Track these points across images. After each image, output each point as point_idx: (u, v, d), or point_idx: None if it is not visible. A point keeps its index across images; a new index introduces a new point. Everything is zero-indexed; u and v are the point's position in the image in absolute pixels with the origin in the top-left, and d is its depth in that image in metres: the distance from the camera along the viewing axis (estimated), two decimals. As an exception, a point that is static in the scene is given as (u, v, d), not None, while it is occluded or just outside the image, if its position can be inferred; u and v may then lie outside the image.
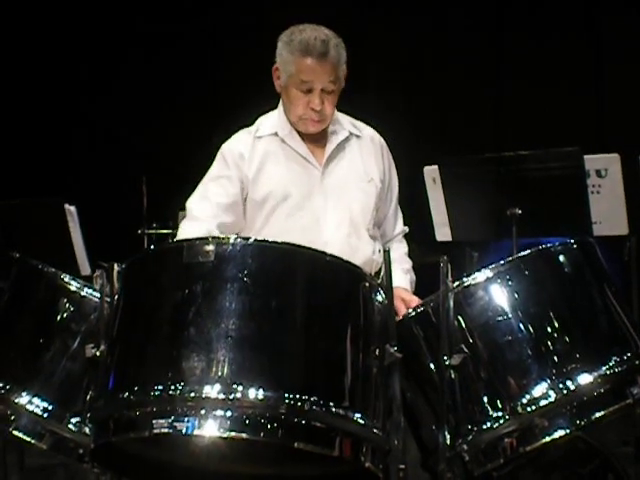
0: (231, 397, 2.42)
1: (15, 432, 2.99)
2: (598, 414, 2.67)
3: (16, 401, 2.97)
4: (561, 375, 2.68)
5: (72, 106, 7.66)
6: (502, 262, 2.81)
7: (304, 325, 2.58)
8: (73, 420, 2.97)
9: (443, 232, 4.59)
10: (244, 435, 2.44)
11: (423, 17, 7.35)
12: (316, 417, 2.47)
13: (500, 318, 2.75)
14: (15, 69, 7.59)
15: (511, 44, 7.26)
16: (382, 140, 3.61)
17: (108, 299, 2.76)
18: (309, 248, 2.67)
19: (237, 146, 3.48)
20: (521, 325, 2.75)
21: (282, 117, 3.50)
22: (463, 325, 2.76)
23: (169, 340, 2.54)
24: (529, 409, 2.66)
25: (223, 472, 2.83)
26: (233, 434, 2.44)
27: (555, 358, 2.71)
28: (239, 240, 2.64)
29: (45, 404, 2.97)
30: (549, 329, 2.74)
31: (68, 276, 3.09)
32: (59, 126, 7.62)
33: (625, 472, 3.48)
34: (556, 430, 2.66)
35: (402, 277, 3.45)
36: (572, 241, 2.92)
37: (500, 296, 2.77)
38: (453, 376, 2.72)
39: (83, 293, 3.05)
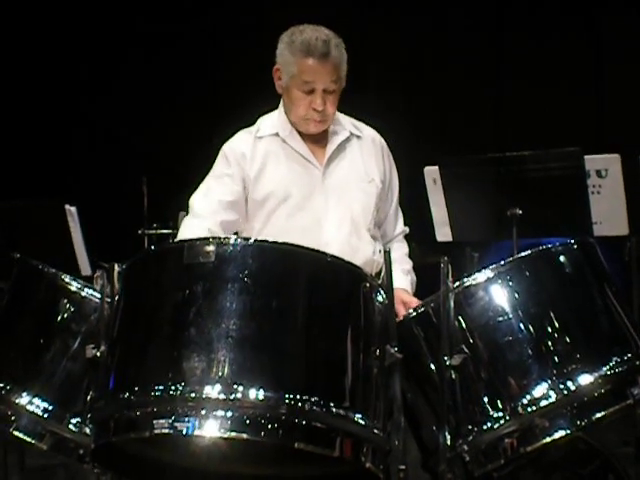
0: (232, 397, 2.42)
1: (15, 432, 2.99)
2: (598, 414, 2.67)
3: (16, 401, 2.97)
4: (562, 375, 2.67)
5: (73, 106, 7.66)
6: (502, 262, 2.81)
7: (305, 325, 2.57)
8: (73, 420, 2.98)
9: (443, 232, 4.59)
10: (244, 435, 2.44)
11: (423, 17, 7.36)
12: (316, 417, 2.47)
13: (500, 318, 2.75)
14: (15, 69, 7.59)
15: (511, 44, 7.27)
16: (383, 141, 3.61)
17: (109, 299, 2.76)
18: (310, 248, 2.67)
19: (239, 145, 3.48)
20: (521, 325, 2.74)
21: (283, 117, 3.50)
22: (463, 325, 2.76)
23: (170, 340, 2.54)
24: (529, 409, 2.66)
25: (223, 472, 2.83)
26: (233, 434, 2.44)
27: (555, 358, 2.70)
28: (239, 240, 2.65)
29: (45, 404, 2.97)
30: (549, 329, 2.74)
31: (69, 276, 3.10)
32: (59, 126, 7.62)
33: (626, 472, 3.47)
34: (556, 430, 2.66)
35: (403, 278, 3.45)
36: (572, 241, 2.91)
37: (500, 296, 2.77)
38: (453, 376, 2.72)
39: (83, 293, 3.05)
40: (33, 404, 2.96)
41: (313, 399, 2.46)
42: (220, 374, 2.44)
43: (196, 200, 3.45)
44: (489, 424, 2.69)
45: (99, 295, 2.82)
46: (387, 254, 2.71)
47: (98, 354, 2.73)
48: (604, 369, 2.69)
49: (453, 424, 2.72)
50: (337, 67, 3.35)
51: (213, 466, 2.80)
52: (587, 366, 2.69)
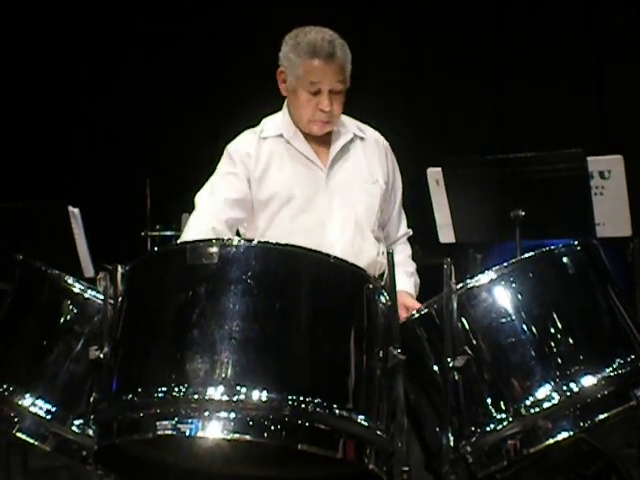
0: (235, 399, 2.42)
1: (18, 434, 2.99)
2: (602, 416, 2.66)
3: (19, 403, 2.97)
4: (565, 377, 2.67)
5: (74, 107, 7.66)
6: (505, 264, 2.80)
7: (308, 327, 2.57)
8: (76, 422, 2.97)
9: (446, 234, 4.59)
10: (248, 437, 2.44)
11: (423, 17, 7.35)
12: (320, 419, 2.46)
13: (504, 320, 2.75)
14: (15, 70, 7.59)
15: (511, 44, 7.26)
16: (386, 142, 3.62)
17: (112, 301, 2.76)
18: (313, 250, 2.67)
19: (243, 145, 3.48)
20: (524, 327, 2.74)
21: (287, 119, 3.50)
22: (467, 327, 2.76)
23: (173, 342, 2.54)
24: (533, 411, 2.66)
25: (226, 474, 2.83)
26: (237, 436, 2.43)
27: (559, 360, 2.70)
28: (243, 242, 2.64)
29: (48, 406, 2.97)
30: (553, 331, 2.74)
31: (72, 278, 3.09)
32: (61, 127, 7.62)
33: (629, 474, 3.48)
34: (560, 432, 2.65)
35: (406, 280, 3.45)
36: (575, 243, 2.91)
37: (504, 298, 2.77)
38: (457, 378, 2.71)
39: (87, 295, 3.05)
40: (36, 406, 2.96)
41: (316, 400, 2.46)
42: (223, 375, 2.44)
43: (201, 198, 3.45)
44: (492, 425, 2.69)
45: (102, 297, 2.83)
46: (390, 255, 2.71)
47: (101, 356, 2.72)
48: (607, 371, 2.69)
49: (456, 425, 2.72)
50: (343, 67, 3.36)
51: (216, 467, 2.79)
52: (590, 368, 2.68)
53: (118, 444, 2.62)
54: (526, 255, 2.88)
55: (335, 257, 2.69)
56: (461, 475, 2.73)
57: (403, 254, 3.58)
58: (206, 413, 2.42)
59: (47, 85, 7.59)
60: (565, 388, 2.66)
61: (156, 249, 4.62)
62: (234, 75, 7.58)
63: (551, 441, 2.66)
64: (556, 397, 2.65)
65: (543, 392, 2.67)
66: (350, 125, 3.55)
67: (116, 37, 7.67)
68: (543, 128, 6.70)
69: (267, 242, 2.75)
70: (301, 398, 2.45)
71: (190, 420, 2.43)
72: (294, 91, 3.41)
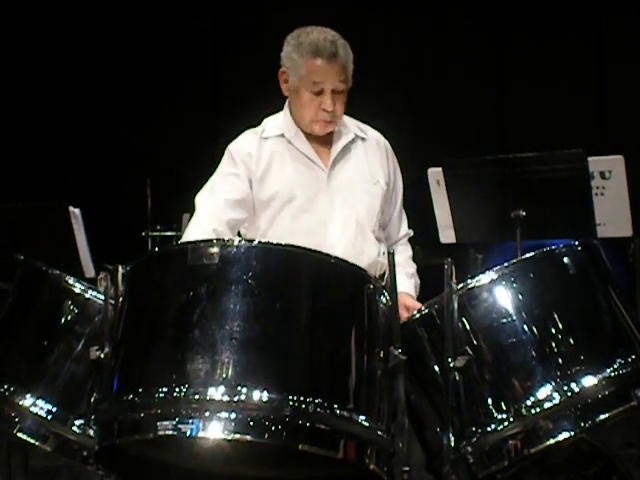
0: (235, 399, 2.42)
1: (19, 434, 2.99)
2: (602, 416, 2.66)
3: (20, 403, 2.97)
4: (565, 377, 2.67)
5: (76, 108, 7.66)
6: (506, 264, 2.80)
7: (308, 327, 2.57)
8: (77, 422, 2.97)
9: (447, 234, 4.58)
10: (248, 437, 2.44)
11: (423, 17, 7.35)
12: (320, 419, 2.46)
13: (504, 320, 2.75)
14: (16, 70, 7.59)
15: (511, 44, 7.26)
16: (387, 143, 3.62)
17: (112, 301, 2.76)
18: (313, 250, 2.67)
19: (244, 145, 3.48)
20: (525, 327, 2.74)
21: (288, 119, 3.50)
22: (467, 327, 2.75)
23: (173, 342, 2.54)
24: (533, 411, 2.66)
25: (227, 474, 2.83)
26: (237, 436, 2.43)
27: (559, 360, 2.70)
28: (243, 242, 2.65)
29: (49, 406, 2.97)
30: (553, 331, 2.74)
31: (72, 278, 3.10)
32: (62, 128, 7.62)
33: (630, 474, 3.47)
34: (560, 432, 2.65)
35: (406, 282, 3.46)
36: (576, 243, 2.91)
37: (504, 298, 2.77)
38: (457, 378, 2.71)
39: (87, 295, 3.05)
40: (37, 406, 2.96)
41: (317, 401, 2.46)
42: (224, 376, 2.44)
43: (202, 199, 3.45)
44: (493, 426, 2.69)
45: (103, 297, 2.83)
46: (391, 256, 2.71)
47: (102, 356, 2.72)
48: (608, 371, 2.68)
49: (457, 426, 2.71)
50: (345, 67, 3.37)
51: (217, 468, 2.80)
52: (591, 368, 2.68)
53: (119, 444, 2.62)
54: (527, 255, 2.88)
55: (336, 257, 2.69)
56: (462, 475, 2.73)
57: (404, 255, 3.59)
58: (207, 413, 2.42)
59: (47, 85, 7.59)
60: (566, 388, 2.66)
61: (157, 249, 4.62)
62: (234, 75, 7.58)
63: (552, 441, 2.65)
64: (557, 397, 2.65)
65: (544, 392, 2.66)
66: (351, 125, 3.56)
67: (116, 37, 7.67)
68: (543, 128, 6.70)
69: (268, 242, 2.75)
70: (302, 398, 2.45)
71: (191, 420, 2.43)
72: (296, 91, 3.41)
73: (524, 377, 2.70)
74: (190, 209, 3.48)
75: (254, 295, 2.54)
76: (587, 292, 2.86)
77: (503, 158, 4.34)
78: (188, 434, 2.44)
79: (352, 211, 3.42)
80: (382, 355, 2.64)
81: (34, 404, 2.96)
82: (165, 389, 2.46)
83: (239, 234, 3.47)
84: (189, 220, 3.53)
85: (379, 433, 2.58)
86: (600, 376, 2.67)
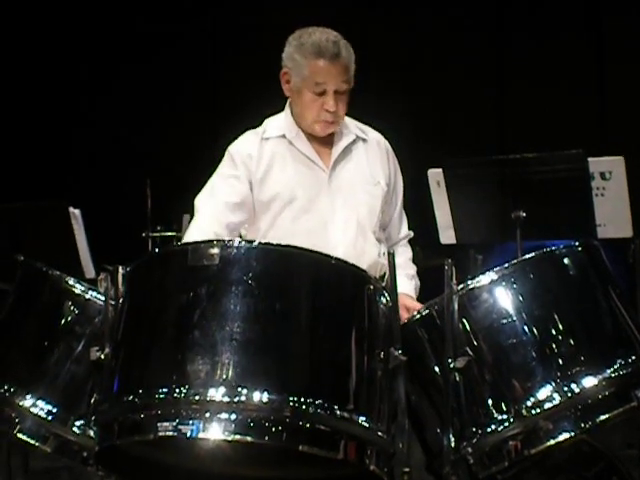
0: (236, 400, 2.42)
1: (19, 435, 3.00)
2: (603, 417, 2.66)
3: (20, 404, 2.97)
4: (566, 378, 2.67)
5: (76, 108, 7.65)
6: (506, 265, 2.80)
7: (309, 328, 2.58)
8: (77, 423, 2.98)
9: (447, 235, 4.58)
10: (248, 438, 2.45)
11: (423, 17, 7.35)
12: (320, 420, 2.47)
13: (505, 321, 2.75)
14: (16, 70, 7.58)
15: (511, 44, 7.26)
16: (387, 144, 3.62)
17: (113, 302, 2.76)
18: (313, 251, 2.67)
19: (245, 146, 3.48)
20: (525, 328, 2.74)
21: (289, 119, 3.50)
22: (468, 328, 2.75)
23: (174, 343, 2.54)
24: (534, 412, 2.66)
25: (227, 475, 2.83)
26: (237, 437, 2.44)
27: (560, 361, 2.70)
28: (244, 243, 2.65)
29: (49, 407, 2.97)
30: (554, 332, 2.74)
31: (73, 279, 3.10)
32: (62, 128, 7.61)
33: (630, 475, 3.47)
34: (561, 433, 2.65)
35: (407, 283, 3.46)
36: (577, 244, 2.91)
37: (505, 299, 2.77)
38: (458, 379, 2.71)
39: (88, 296, 3.06)
40: (37, 406, 2.97)
41: (317, 402, 2.46)
42: (224, 377, 2.44)
43: (202, 202, 3.45)
44: (493, 426, 2.69)
45: (103, 297, 2.83)
46: (391, 256, 2.71)
47: (102, 356, 2.72)
48: (608, 371, 2.69)
49: (457, 426, 2.71)
50: (347, 67, 3.37)
51: (217, 468, 2.79)
52: (591, 368, 2.68)
53: (119, 445, 2.62)
54: (527, 256, 2.88)
55: (336, 258, 2.69)
56: (462, 476, 2.73)
57: (404, 256, 3.59)
58: (207, 414, 2.43)
59: (47, 85, 7.59)
60: (566, 389, 2.66)
61: (157, 250, 4.61)
62: (234, 75, 7.58)
63: (552, 442, 2.66)
64: (557, 398, 2.65)
65: (544, 393, 2.67)
66: (352, 126, 3.55)
67: (116, 37, 7.66)
68: (543, 129, 6.70)
69: (268, 243, 2.76)
70: (302, 399, 2.45)
71: (191, 421, 2.44)
72: (298, 92, 3.41)
73: (524, 378, 2.70)
74: (190, 209, 3.48)
75: (254, 296, 2.54)
76: (587, 293, 2.86)
77: (503, 159, 4.34)
78: (188, 435, 2.44)
79: (353, 212, 3.42)
80: (382, 356, 2.64)
81: (34, 405, 2.96)
82: (165, 390, 2.46)
83: (240, 235, 3.47)
84: (189, 221, 3.54)
85: (379, 434, 2.58)
86: (600, 377, 2.67)
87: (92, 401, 2.94)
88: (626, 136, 6.42)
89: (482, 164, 4.42)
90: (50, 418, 2.97)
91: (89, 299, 3.05)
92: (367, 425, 2.54)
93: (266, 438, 2.45)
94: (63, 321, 3.05)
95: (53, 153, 7.54)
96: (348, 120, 3.55)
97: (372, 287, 2.68)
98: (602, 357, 2.73)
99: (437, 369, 2.77)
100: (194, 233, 3.34)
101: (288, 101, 3.52)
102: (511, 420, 2.68)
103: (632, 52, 6.79)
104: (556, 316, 2.76)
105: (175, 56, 7.62)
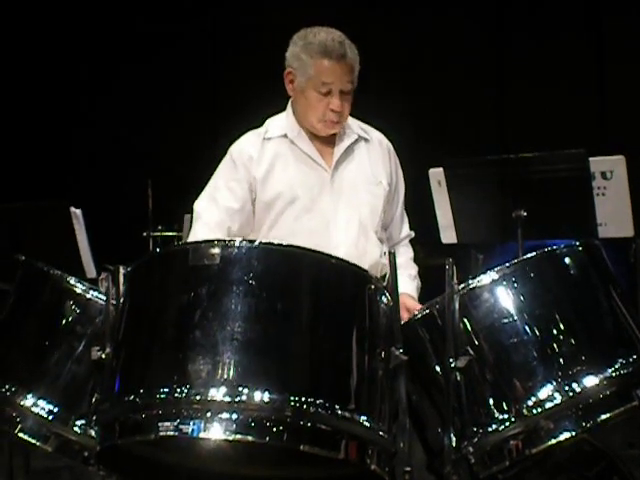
0: (237, 400, 2.42)
1: (20, 434, 3.00)
2: (604, 416, 2.66)
3: (21, 403, 2.98)
4: (567, 377, 2.67)
5: (77, 108, 7.65)
6: (507, 264, 2.80)
7: (309, 328, 2.58)
8: (78, 423, 2.98)
9: (448, 234, 4.58)
10: (249, 438, 2.45)
11: (423, 17, 7.35)
12: (322, 420, 2.47)
13: (506, 320, 2.75)
14: (16, 71, 7.59)
15: (511, 44, 7.26)
16: (389, 144, 3.62)
17: (114, 302, 2.77)
18: (314, 251, 2.67)
19: (246, 148, 3.47)
20: (527, 327, 2.74)
21: (291, 119, 3.50)
22: (469, 327, 2.75)
23: (175, 343, 2.55)
24: (535, 411, 2.66)
25: (228, 474, 2.83)
26: (238, 437, 2.44)
27: (561, 360, 2.70)
28: (244, 243, 2.65)
29: (50, 406, 2.98)
30: (555, 331, 2.74)
31: (74, 279, 3.11)
32: (63, 128, 7.62)
33: (631, 475, 3.48)
34: (562, 432, 2.65)
35: (409, 283, 3.46)
36: (577, 243, 2.91)
37: (505, 298, 2.77)
38: (459, 378, 2.71)
39: (89, 296, 3.06)
40: (38, 406, 2.97)
41: (318, 401, 2.46)
42: (225, 376, 2.45)
43: (203, 207, 3.45)
44: (494, 426, 2.69)
45: (104, 297, 2.84)
46: (392, 256, 2.71)
47: (103, 356, 2.73)
48: (609, 371, 2.68)
49: (458, 426, 2.71)
50: (353, 68, 3.38)
51: (218, 468, 2.80)
52: (592, 368, 2.68)
53: (120, 445, 2.62)
54: (528, 255, 2.88)
55: (336, 257, 2.69)
56: (463, 475, 2.73)
57: (405, 256, 3.59)
58: (208, 414, 2.43)
59: (48, 85, 7.59)
60: (567, 388, 2.66)
61: (158, 250, 4.61)
62: (234, 75, 7.58)
63: (553, 441, 2.65)
64: (558, 397, 2.65)
65: (545, 392, 2.66)
66: (354, 126, 3.55)
67: (116, 37, 7.67)
68: (544, 128, 6.70)
69: (269, 243, 2.75)
70: (303, 399, 2.45)
71: (192, 421, 2.44)
72: (303, 91, 3.40)
73: (525, 377, 2.70)
74: (191, 209, 3.48)
75: (255, 296, 2.54)
76: (588, 292, 2.86)
77: (504, 158, 4.34)
78: (189, 435, 2.44)
79: (355, 212, 3.42)
80: (383, 355, 2.64)
81: (35, 404, 2.97)
82: (166, 390, 2.46)
83: (241, 234, 3.47)
84: (190, 221, 3.54)
85: (380, 433, 2.58)
86: (601, 376, 2.67)
87: (93, 401, 2.94)
88: (626, 136, 6.41)
89: (483, 163, 4.42)
90: (51, 418, 2.97)
91: (90, 299, 3.05)
92: (368, 425, 2.54)
93: (267, 438, 2.45)
94: (64, 321, 3.06)
95: (54, 153, 7.54)
96: (350, 120, 3.54)
97: (373, 287, 2.69)
98: (603, 356, 2.73)
99: (438, 368, 2.77)
100: (199, 238, 3.33)
101: (290, 100, 3.52)
102: (512, 419, 2.67)
103: (632, 52, 6.79)
104: (557, 315, 2.76)
105: (175, 56, 7.63)
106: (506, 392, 2.71)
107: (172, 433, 2.44)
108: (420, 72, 7.27)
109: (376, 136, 3.60)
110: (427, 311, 2.84)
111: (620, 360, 2.71)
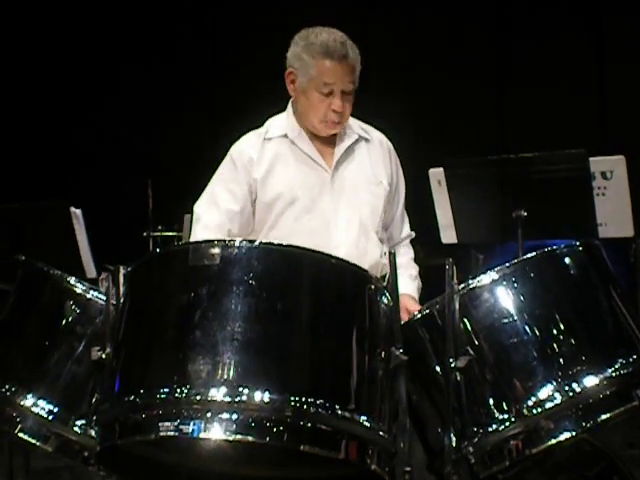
0: (237, 400, 2.42)
1: (20, 434, 3.01)
2: (604, 416, 2.66)
3: (21, 403, 2.98)
4: (567, 377, 2.67)
5: (77, 108, 7.65)
6: (507, 264, 2.80)
7: (309, 328, 2.58)
8: (78, 423, 2.99)
9: (448, 234, 4.58)
10: (250, 438, 2.45)
11: (423, 17, 7.35)
12: (322, 420, 2.47)
13: (506, 320, 2.75)
14: (17, 70, 7.58)
15: (511, 44, 7.25)
16: (390, 144, 3.62)
17: (114, 302, 2.77)
18: (314, 251, 2.67)
19: (246, 149, 3.47)
20: (527, 327, 2.74)
21: (291, 119, 3.50)
22: (469, 327, 2.75)
23: (175, 343, 2.55)
24: (535, 411, 2.66)
25: (228, 474, 2.83)
26: (239, 437, 2.44)
27: (561, 360, 2.70)
28: (244, 243, 2.65)
29: (50, 406, 2.98)
30: (555, 331, 2.74)
31: (74, 279, 3.11)
32: (63, 128, 7.61)
33: (631, 475, 3.47)
34: (562, 432, 2.65)
35: (410, 284, 3.46)
36: (577, 243, 2.91)
37: (505, 298, 2.77)
38: (459, 378, 2.71)
39: (89, 296, 3.06)
40: (38, 406, 2.97)
41: (318, 401, 2.46)
42: (225, 377, 2.45)
43: (203, 210, 3.45)
44: (494, 426, 2.69)
45: (104, 297, 2.84)
46: (392, 256, 2.71)
47: (103, 356, 2.73)
48: (609, 371, 2.68)
49: (458, 426, 2.71)
50: (354, 68, 3.39)
51: (218, 468, 2.80)
52: (592, 368, 2.68)
53: (120, 445, 2.62)
54: (528, 255, 2.88)
55: (336, 258, 2.69)
56: (463, 475, 2.73)
57: (406, 257, 3.58)
58: (208, 414, 2.43)
59: (48, 85, 7.58)
60: (567, 388, 2.66)
61: (158, 250, 4.61)
62: (234, 75, 7.57)
63: (553, 441, 2.65)
64: (558, 397, 2.65)
65: (545, 392, 2.66)
66: (355, 126, 3.55)
67: (116, 37, 7.66)
68: (544, 128, 6.69)
69: (269, 243, 2.76)
70: (303, 399, 2.45)
71: (192, 421, 2.44)
72: (304, 92, 3.40)
73: (525, 377, 2.70)
74: (191, 209, 3.48)
75: (255, 296, 2.54)
76: (588, 292, 2.86)
77: (504, 158, 4.34)
78: (189, 435, 2.44)
79: (355, 212, 3.42)
80: (383, 355, 2.64)
81: (35, 404, 2.97)
82: (166, 390, 2.46)
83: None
84: (190, 221, 3.54)
85: (380, 433, 2.58)
86: (601, 376, 2.67)
87: (93, 401, 2.94)
88: (626, 136, 6.41)
89: (483, 163, 4.42)
90: (51, 418, 2.97)
91: (90, 299, 3.06)
92: (368, 425, 2.54)
93: (267, 438, 2.45)
94: (64, 321, 3.06)
95: (54, 153, 7.54)
96: (351, 120, 3.54)
97: (373, 287, 2.69)
98: (603, 356, 2.73)
99: (438, 368, 2.77)
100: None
101: (290, 101, 3.52)
102: (512, 419, 2.68)
103: (632, 52, 6.79)
104: (557, 315, 2.76)
105: (175, 56, 7.62)
106: (506, 392, 2.71)
107: (172, 433, 2.45)
108: (420, 72, 7.26)
109: (377, 136, 3.60)
110: (427, 311, 2.84)
111: (620, 360, 2.71)
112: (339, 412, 2.49)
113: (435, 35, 7.28)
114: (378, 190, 3.48)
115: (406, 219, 3.66)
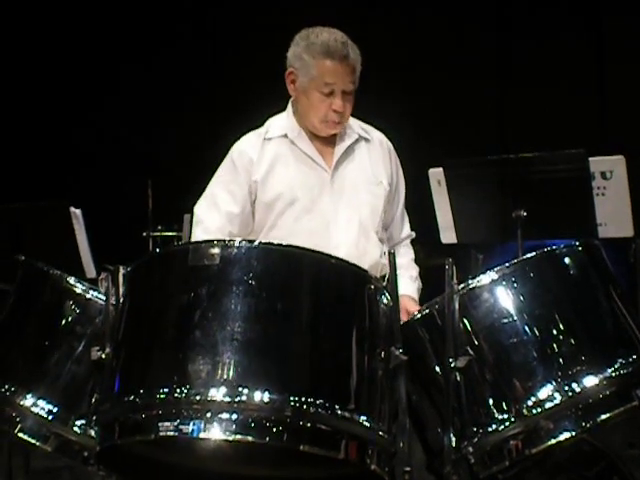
0: (236, 400, 2.42)
1: (20, 434, 3.01)
2: (604, 416, 2.66)
3: (21, 403, 2.98)
4: (567, 377, 2.67)
5: (77, 108, 7.65)
6: (507, 264, 2.80)
7: (309, 328, 2.58)
8: (78, 423, 2.98)
9: (448, 234, 4.58)
10: (249, 438, 2.45)
11: (423, 17, 7.35)
12: (321, 420, 2.47)
13: (505, 320, 2.75)
14: (17, 70, 7.58)
15: (511, 44, 7.25)
16: (390, 144, 3.62)
17: (114, 302, 2.77)
18: (314, 251, 2.68)
19: (246, 150, 3.47)
20: (526, 327, 2.74)
21: (291, 119, 3.50)
22: (468, 327, 2.75)
23: (175, 343, 2.55)
24: (535, 411, 2.66)
25: (228, 474, 2.83)
26: (238, 437, 2.44)
27: (560, 360, 2.70)
28: (244, 243, 2.65)
29: (50, 406, 2.98)
30: (554, 331, 2.74)
31: (73, 279, 3.11)
32: (63, 128, 7.61)
33: (631, 475, 3.47)
34: (561, 432, 2.65)
35: (410, 285, 3.46)
36: (577, 243, 2.91)
37: (505, 298, 2.77)
38: (458, 378, 2.71)
39: (88, 296, 3.06)
40: (38, 406, 2.97)
41: (318, 401, 2.46)
42: (225, 377, 2.45)
43: (203, 212, 3.45)
44: (494, 426, 2.69)
45: (104, 297, 2.84)
46: (392, 256, 2.71)
47: (103, 356, 2.73)
48: (609, 371, 2.69)
49: (458, 426, 2.71)
50: (355, 68, 3.39)
51: (218, 468, 2.80)
52: (592, 368, 2.68)
53: (120, 445, 2.62)
54: (528, 255, 2.88)
55: (336, 257, 2.69)
56: (463, 475, 2.73)
57: (407, 257, 3.58)
58: (208, 414, 2.43)
59: (48, 85, 7.59)
60: (567, 388, 2.66)
61: (158, 250, 4.61)
62: (234, 75, 7.58)
63: (553, 441, 2.65)
64: (558, 397, 2.65)
65: (545, 392, 2.66)
66: (355, 126, 3.55)
67: (117, 37, 7.66)
68: (544, 128, 6.69)
69: (268, 243, 2.77)
70: (303, 399, 2.45)
71: (192, 421, 2.44)
72: (305, 92, 3.40)
73: (525, 377, 2.70)
74: (191, 209, 3.48)
75: (255, 296, 2.55)
76: (588, 292, 2.86)
77: (504, 158, 4.34)
78: (189, 435, 2.44)
79: (355, 212, 3.42)
80: (383, 355, 2.64)
81: (35, 404, 2.97)
82: (166, 390, 2.46)
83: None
84: (190, 221, 3.54)
85: (380, 433, 2.58)
86: (601, 376, 2.67)
87: (93, 401, 2.94)
88: (626, 136, 6.41)
89: (483, 163, 4.42)
90: (51, 418, 2.97)
91: (90, 299, 3.06)
92: (368, 425, 2.54)
93: (267, 438, 2.45)
94: (64, 321, 3.06)
95: (54, 153, 7.54)
96: (351, 120, 3.54)
97: (373, 287, 2.69)
98: (603, 356, 2.73)
99: (438, 369, 2.77)
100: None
101: (290, 101, 3.52)
102: (512, 419, 2.68)
103: (632, 52, 6.78)
104: (557, 315, 2.76)
105: (175, 56, 7.62)
106: (506, 392, 2.71)
107: (172, 433, 2.45)
108: (420, 72, 7.26)
109: (377, 136, 3.60)
110: (427, 311, 2.84)
111: (620, 360, 2.71)
112: (339, 412, 2.49)
113: (435, 35, 7.28)
114: (378, 190, 3.48)
115: (406, 219, 3.66)
